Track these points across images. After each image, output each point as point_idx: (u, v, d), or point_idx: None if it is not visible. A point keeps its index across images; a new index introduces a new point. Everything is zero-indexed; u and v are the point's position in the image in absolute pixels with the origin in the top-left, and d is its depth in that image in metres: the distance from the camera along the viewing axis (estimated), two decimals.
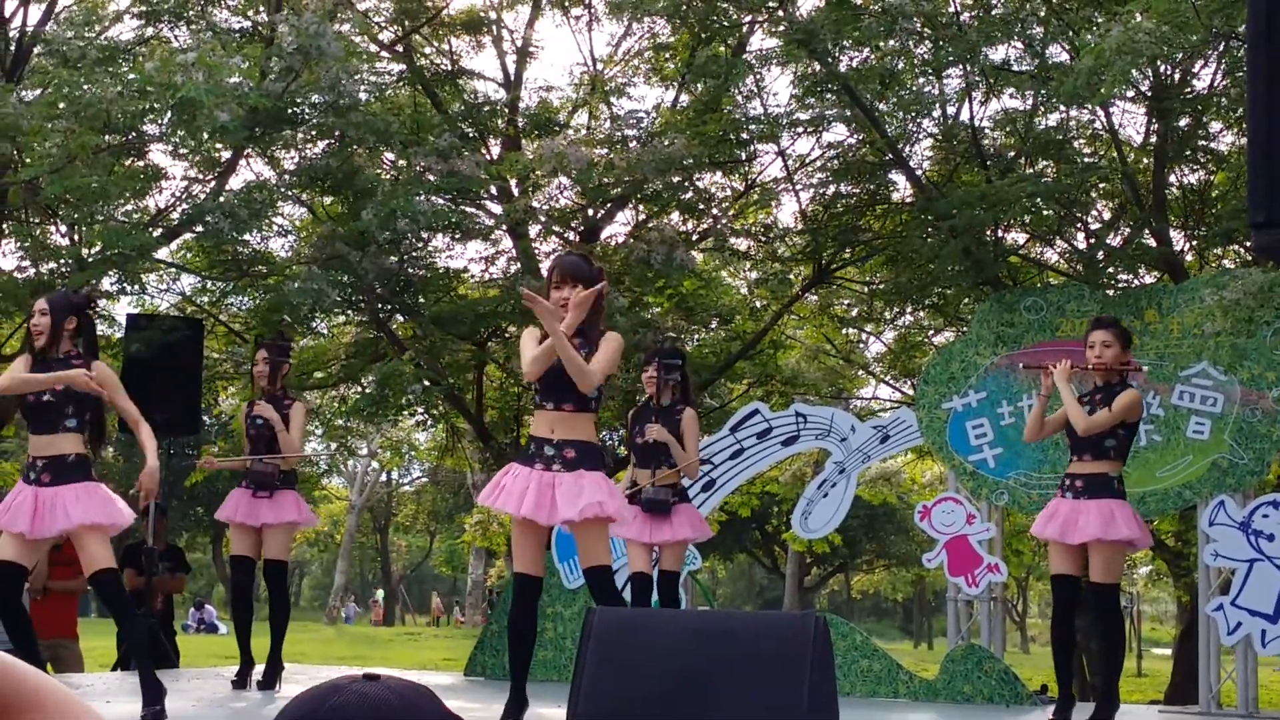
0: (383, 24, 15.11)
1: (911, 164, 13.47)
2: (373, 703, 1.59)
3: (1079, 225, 13.97)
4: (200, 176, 13.30)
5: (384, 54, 14.89)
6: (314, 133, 12.98)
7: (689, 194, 14.07)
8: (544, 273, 14.18)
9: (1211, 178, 14.05)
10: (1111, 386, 7.95)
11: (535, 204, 13.96)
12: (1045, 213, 12.80)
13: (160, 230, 12.50)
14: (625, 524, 7.84)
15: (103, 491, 7.48)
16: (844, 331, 18.40)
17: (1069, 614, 8.32)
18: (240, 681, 9.40)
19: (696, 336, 16.21)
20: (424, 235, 13.46)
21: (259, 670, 9.59)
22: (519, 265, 14.42)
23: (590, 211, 14.75)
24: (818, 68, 12.37)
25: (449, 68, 15.71)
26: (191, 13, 13.33)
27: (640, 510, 8.84)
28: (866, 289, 16.15)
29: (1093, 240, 13.55)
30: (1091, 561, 8.00)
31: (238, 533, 9.36)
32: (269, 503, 9.19)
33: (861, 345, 19.37)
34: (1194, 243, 14.25)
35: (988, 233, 12.47)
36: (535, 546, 6.92)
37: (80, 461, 7.42)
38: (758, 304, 16.59)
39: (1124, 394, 7.88)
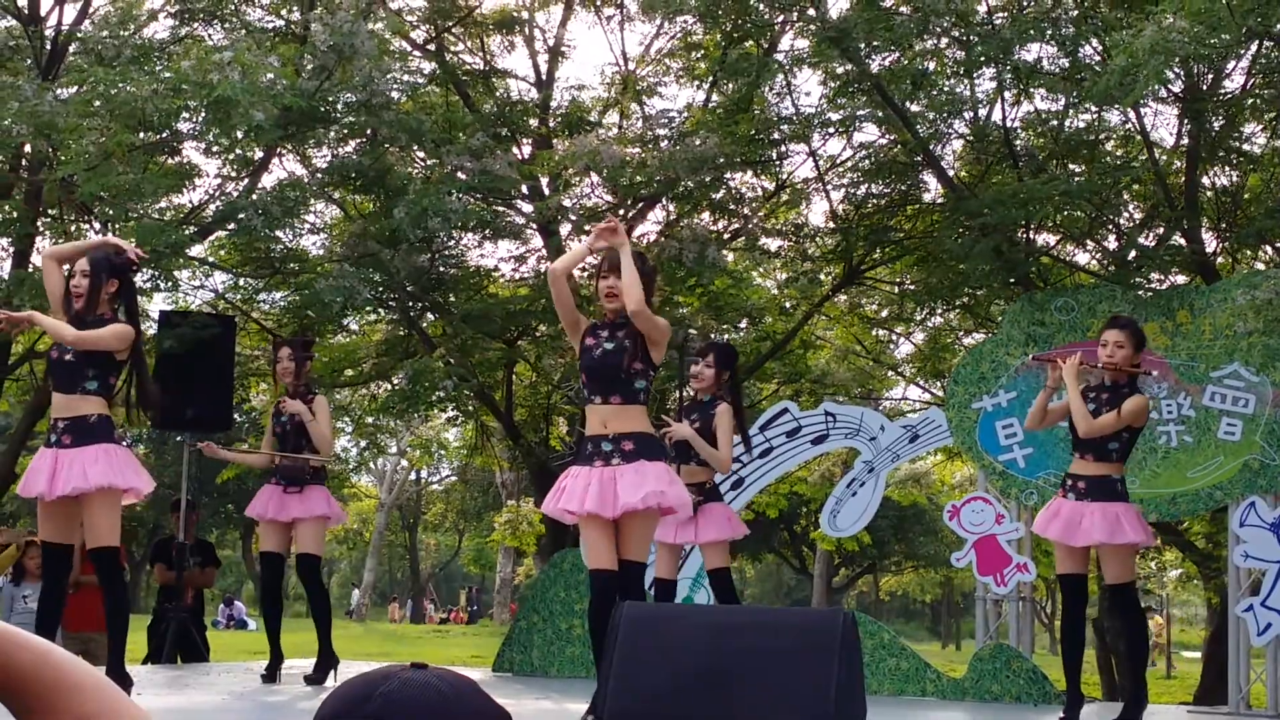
0: (415, 23, 15.17)
1: (943, 164, 13.47)
2: (422, 690, 1.61)
3: (1110, 226, 13.94)
4: (233, 174, 13.38)
5: (416, 53, 14.95)
6: (346, 131, 13.04)
7: (720, 193, 14.09)
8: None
9: (1244, 179, 14.00)
10: (1119, 387, 7.92)
11: (566, 202, 14.00)
12: (1076, 213, 12.77)
13: (193, 228, 12.57)
14: (676, 520, 7.75)
15: (123, 454, 7.37)
16: (874, 332, 18.39)
17: (1078, 613, 8.33)
18: (270, 676, 9.42)
19: (726, 336, 16.22)
20: (455, 234, 13.51)
21: (307, 666, 9.61)
22: (549, 264, 14.45)
23: (622, 210, 14.78)
24: (849, 67, 12.38)
25: (481, 67, 15.76)
26: (225, 11, 13.41)
27: None
28: (897, 289, 16.15)
29: (1124, 241, 13.52)
30: (1104, 565, 8.00)
31: (268, 529, 9.36)
32: (299, 498, 9.18)
33: (891, 346, 19.36)
34: (1226, 244, 14.20)
35: (1019, 233, 12.46)
36: (605, 540, 6.80)
37: (103, 423, 7.28)
38: (787, 304, 16.60)
39: (1133, 400, 7.84)
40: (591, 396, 6.83)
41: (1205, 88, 12.38)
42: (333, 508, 9.33)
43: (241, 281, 14.80)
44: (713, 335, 15.02)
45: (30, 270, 12.42)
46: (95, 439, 7.22)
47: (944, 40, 12.34)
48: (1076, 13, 11.89)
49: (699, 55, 15.27)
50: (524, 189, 14.33)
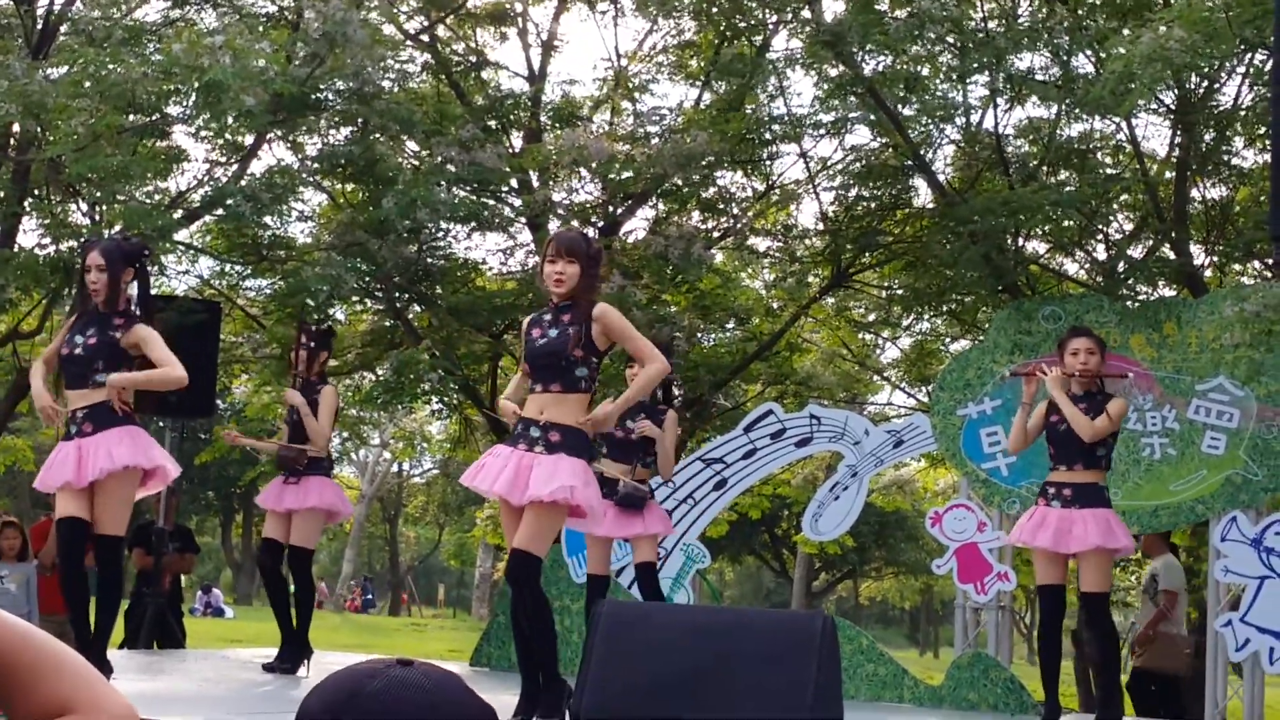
0: (409, 13, 15.13)
1: (934, 169, 13.46)
2: (409, 688, 1.60)
3: (1099, 236, 13.94)
4: (222, 159, 13.32)
5: (409, 43, 14.90)
6: (337, 119, 12.99)
7: (710, 192, 14.06)
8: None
9: (1233, 193, 14.00)
10: (1093, 394, 7.95)
11: (555, 196, 13.96)
12: (1066, 223, 12.77)
13: (181, 212, 12.51)
14: (595, 521, 7.56)
15: (146, 436, 7.29)
16: (860, 336, 18.38)
17: (1059, 623, 8.33)
18: (274, 665, 9.28)
19: (713, 336, 16.19)
20: (444, 225, 13.47)
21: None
22: (537, 258, 14.41)
23: (611, 207, 14.75)
24: (842, 70, 12.36)
25: (473, 59, 15.72)
26: None
27: (612, 505, 8.62)
28: (884, 294, 16.14)
29: (1113, 251, 13.53)
30: (1085, 571, 7.94)
31: (269, 517, 9.34)
32: (294, 489, 9.14)
33: (877, 350, 19.35)
34: (1214, 257, 14.22)
35: (1008, 240, 12.46)
36: (515, 526, 6.63)
37: (122, 407, 7.21)
38: (775, 305, 16.58)
39: (1116, 401, 7.90)
40: (534, 385, 6.68)
41: (1197, 100, 12.38)
42: (325, 499, 9.18)
43: (227, 268, 14.74)
44: (698, 335, 15.00)
45: (15, 250, 12.36)
46: (116, 422, 7.15)
47: (938, 46, 12.32)
48: (1069, 22, 11.89)
49: (692, 53, 15.25)
50: (513, 182, 14.29)
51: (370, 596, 48.80)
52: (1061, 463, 7.96)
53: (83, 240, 9.35)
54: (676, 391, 15.31)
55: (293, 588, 9.54)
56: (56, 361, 7.49)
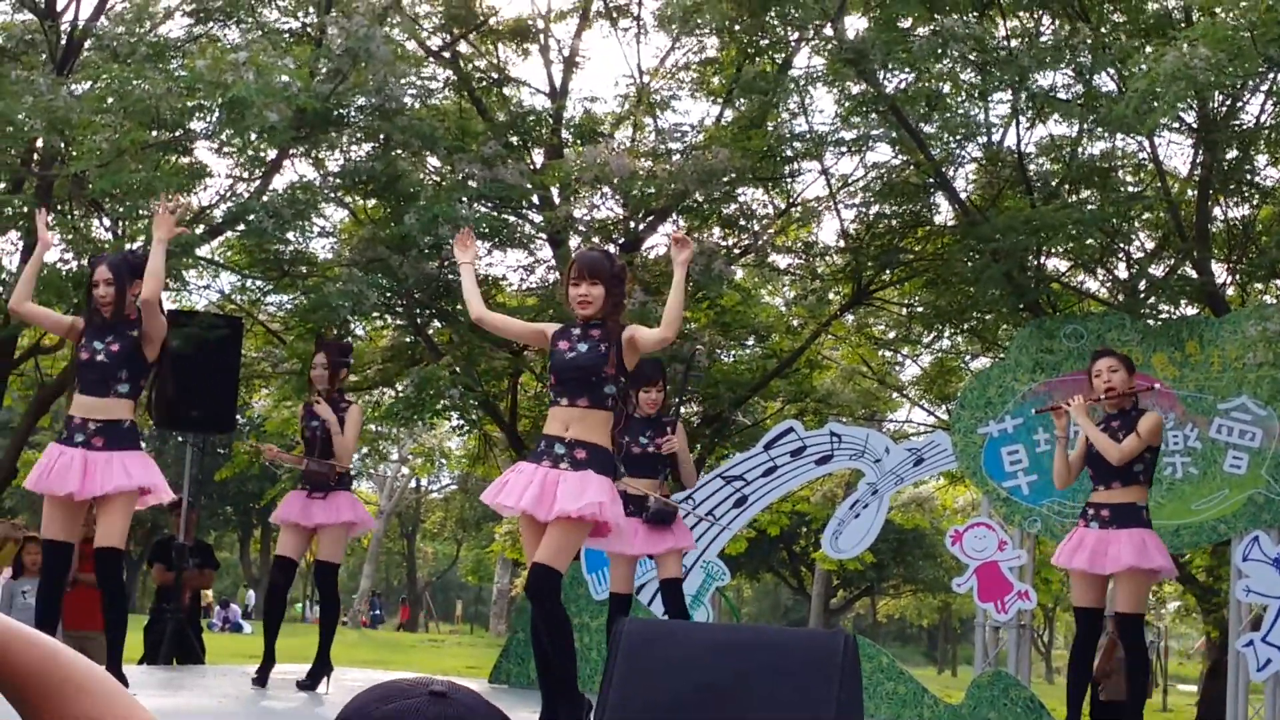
0: (431, 31, 15.16)
1: (955, 187, 13.44)
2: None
3: (1121, 254, 13.91)
4: (245, 175, 13.36)
5: (431, 60, 14.93)
6: (359, 135, 13.02)
7: (731, 208, 14.05)
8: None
9: (1256, 211, 13.96)
10: (1126, 412, 7.92)
11: (576, 213, 13.98)
12: (1088, 241, 12.75)
13: (203, 227, 12.55)
14: (625, 540, 7.47)
15: (151, 460, 7.44)
16: (880, 353, 18.35)
17: (1093, 646, 8.27)
18: (260, 679, 9.30)
19: (733, 353, 16.18)
20: None
21: (299, 671, 9.52)
22: (558, 275, 14.42)
23: (632, 223, 14.76)
24: (864, 87, 12.37)
25: (495, 76, 15.74)
26: (241, 12, 13.40)
27: (640, 522, 8.60)
28: (905, 311, 16.11)
29: (1135, 270, 13.49)
30: (1120, 591, 7.92)
31: (288, 533, 9.13)
32: (323, 503, 8.97)
33: (897, 368, 19.32)
34: (1236, 276, 14.17)
35: (1030, 258, 12.43)
36: (538, 543, 6.60)
37: (134, 428, 7.33)
38: (795, 322, 16.57)
39: (1147, 417, 7.86)
40: (558, 399, 6.66)
41: (1220, 118, 12.35)
42: (358, 514, 9.12)
43: (248, 283, 14.76)
44: (718, 352, 14.97)
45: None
46: (132, 443, 7.27)
47: (960, 64, 12.32)
48: (1092, 41, 11.87)
49: (714, 70, 15.26)
50: (534, 198, 14.31)
51: (378, 612, 48.76)
52: (1100, 483, 7.94)
53: (90, 255, 9.41)
54: (696, 407, 15.33)
55: (296, 607, 9.54)
56: (73, 333, 7.55)
